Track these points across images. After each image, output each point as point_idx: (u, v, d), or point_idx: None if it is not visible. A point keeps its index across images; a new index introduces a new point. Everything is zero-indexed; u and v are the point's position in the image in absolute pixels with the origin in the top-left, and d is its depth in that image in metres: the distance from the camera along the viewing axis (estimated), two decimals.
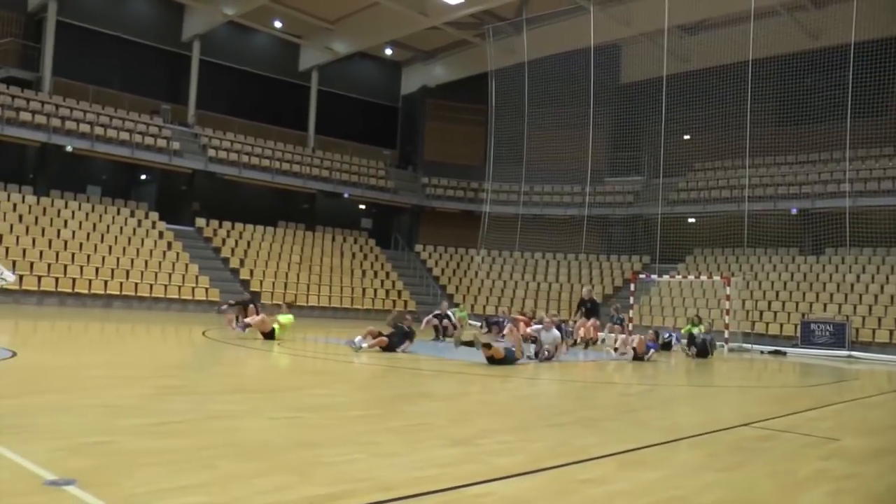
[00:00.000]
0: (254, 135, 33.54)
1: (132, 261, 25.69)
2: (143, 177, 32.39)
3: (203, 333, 15.82)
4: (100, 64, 30.98)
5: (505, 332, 14.48)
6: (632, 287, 26.22)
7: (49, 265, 23.70)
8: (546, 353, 13.25)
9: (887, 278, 25.61)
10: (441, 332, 17.93)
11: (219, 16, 31.40)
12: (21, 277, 21.29)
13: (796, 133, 29.36)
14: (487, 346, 11.86)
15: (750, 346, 23.40)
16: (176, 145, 29.69)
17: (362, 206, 37.30)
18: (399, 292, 32.60)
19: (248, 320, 14.91)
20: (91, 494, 3.66)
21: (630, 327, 20.34)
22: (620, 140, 33.56)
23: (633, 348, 15.18)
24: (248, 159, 31.67)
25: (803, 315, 25.11)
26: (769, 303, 26.68)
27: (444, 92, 38.32)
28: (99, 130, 27.64)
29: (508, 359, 11.94)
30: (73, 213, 26.67)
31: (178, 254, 27.36)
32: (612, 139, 33.73)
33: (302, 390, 8.40)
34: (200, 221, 30.35)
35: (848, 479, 5.14)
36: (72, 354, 10.64)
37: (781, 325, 25.43)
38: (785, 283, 27.38)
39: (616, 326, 18.32)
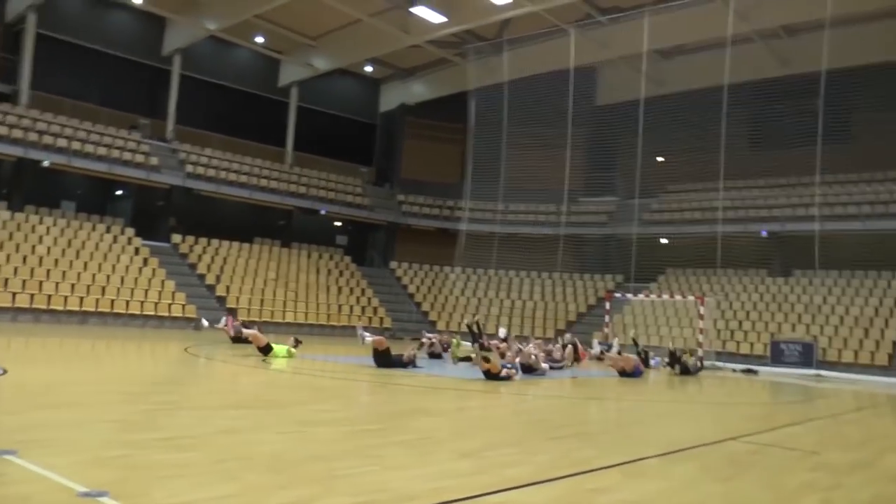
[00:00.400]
0: (232, 150, 33.47)
1: (108, 277, 25.44)
2: (119, 192, 32.12)
3: (185, 350, 15.81)
4: (78, 77, 30.68)
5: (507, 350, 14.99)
6: (607, 305, 26.64)
7: (24, 281, 23.38)
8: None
9: (852, 300, 26.34)
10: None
11: (201, 30, 31.41)
12: None
13: (768, 158, 30.14)
14: (486, 359, 12.14)
15: (722, 364, 23.89)
16: (154, 160, 29.54)
17: (338, 223, 37.34)
18: (375, 309, 32.64)
19: (245, 332, 15.14)
20: None
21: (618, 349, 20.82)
22: (595, 161, 34.13)
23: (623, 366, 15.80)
24: (227, 175, 31.59)
25: (773, 335, 25.70)
26: (740, 322, 27.25)
27: (422, 110, 38.64)
28: (76, 145, 27.40)
29: (503, 375, 12.29)
30: (48, 228, 26.34)
31: (154, 270, 27.14)
32: (587, 160, 34.27)
33: (301, 406, 8.52)
34: (176, 237, 30.14)
35: (835, 490, 5.44)
36: (61, 371, 10.62)
37: (752, 345, 25.98)
38: (755, 304, 27.99)
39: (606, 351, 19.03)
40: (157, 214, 30.89)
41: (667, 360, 19.41)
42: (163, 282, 26.66)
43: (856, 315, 25.52)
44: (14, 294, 22.72)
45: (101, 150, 28.01)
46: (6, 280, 23.01)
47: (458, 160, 37.54)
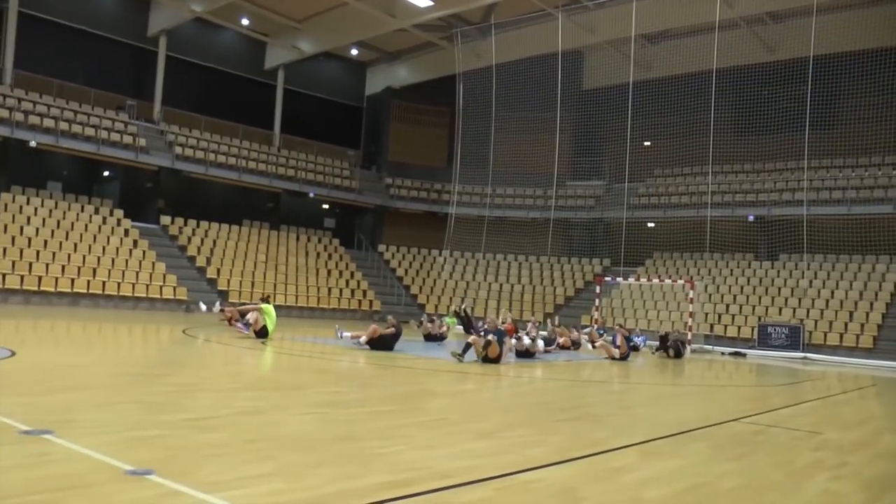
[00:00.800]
0: (220, 132, 33.27)
1: (98, 258, 25.34)
2: (106, 173, 31.89)
3: (183, 332, 15.87)
4: (64, 57, 30.28)
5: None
6: (597, 289, 26.91)
7: (13, 262, 23.25)
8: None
9: (838, 284, 26.81)
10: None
11: (186, 11, 31.10)
12: None
13: (755, 142, 30.49)
14: (488, 343, 12.35)
15: (711, 347, 24.28)
16: (142, 142, 29.35)
17: (325, 206, 37.33)
18: (364, 292, 32.75)
19: (249, 318, 15.26)
20: (175, 482, 3.89)
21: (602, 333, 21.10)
22: (583, 145, 34.33)
23: (617, 347, 16.06)
24: (215, 157, 31.45)
25: (760, 318, 26.11)
26: (727, 306, 27.64)
27: (408, 93, 38.59)
28: (63, 125, 27.14)
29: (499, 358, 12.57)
30: (35, 209, 26.15)
31: (144, 252, 27.06)
32: (575, 144, 34.45)
33: (312, 388, 8.65)
34: (165, 219, 30.03)
35: (841, 468, 5.67)
36: (69, 353, 10.67)
37: (739, 328, 26.39)
38: (742, 288, 28.40)
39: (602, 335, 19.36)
40: (146, 196, 30.73)
41: (657, 343, 19.70)
42: (153, 263, 26.60)
43: (841, 299, 26.00)
44: (4, 275, 22.60)
45: (89, 131, 27.77)
46: None
47: (444, 144, 37.61)
